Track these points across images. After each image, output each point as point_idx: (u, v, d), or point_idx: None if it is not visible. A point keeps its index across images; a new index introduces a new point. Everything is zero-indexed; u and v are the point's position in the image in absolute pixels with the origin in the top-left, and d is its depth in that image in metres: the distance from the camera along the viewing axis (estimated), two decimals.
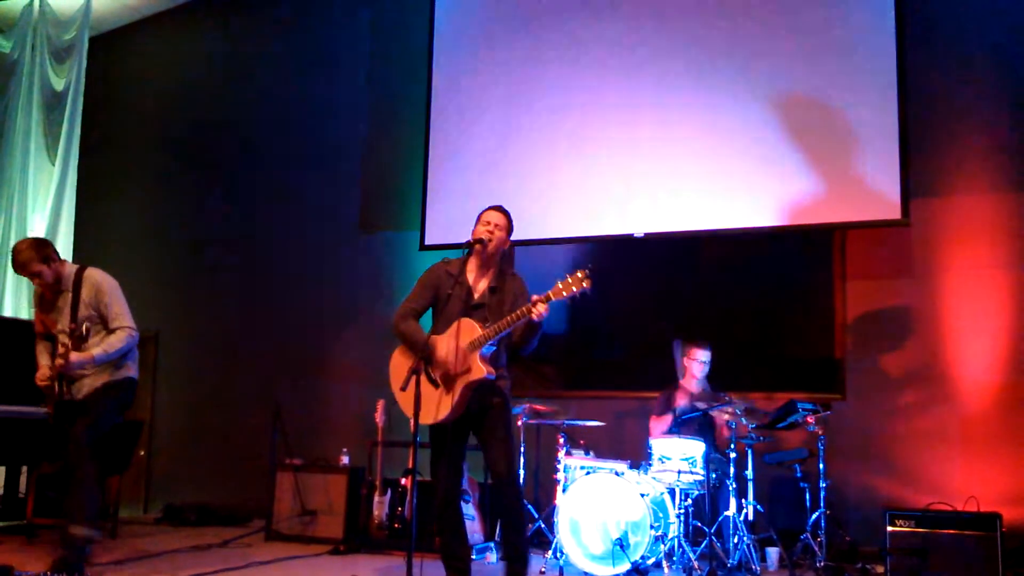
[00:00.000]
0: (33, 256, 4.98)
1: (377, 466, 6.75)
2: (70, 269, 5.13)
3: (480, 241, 4.48)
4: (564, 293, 4.18)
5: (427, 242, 7.89)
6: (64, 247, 8.99)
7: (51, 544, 6.28)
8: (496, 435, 4.44)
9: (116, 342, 5.02)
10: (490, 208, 4.62)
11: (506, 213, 4.60)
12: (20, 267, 5.01)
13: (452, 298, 4.45)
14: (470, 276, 4.55)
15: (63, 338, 4.96)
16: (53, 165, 9.12)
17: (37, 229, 8.98)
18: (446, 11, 8.18)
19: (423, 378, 4.31)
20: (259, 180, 9.18)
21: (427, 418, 4.36)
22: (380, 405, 6.77)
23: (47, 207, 9.05)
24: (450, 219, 7.77)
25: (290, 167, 9.04)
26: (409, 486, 6.47)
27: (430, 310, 4.64)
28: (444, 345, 4.38)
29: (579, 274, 4.15)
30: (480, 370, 4.28)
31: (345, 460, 7.15)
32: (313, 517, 6.91)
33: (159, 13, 9.86)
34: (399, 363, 4.56)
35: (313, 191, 8.89)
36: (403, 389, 4.26)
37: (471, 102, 7.95)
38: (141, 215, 9.66)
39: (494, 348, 4.38)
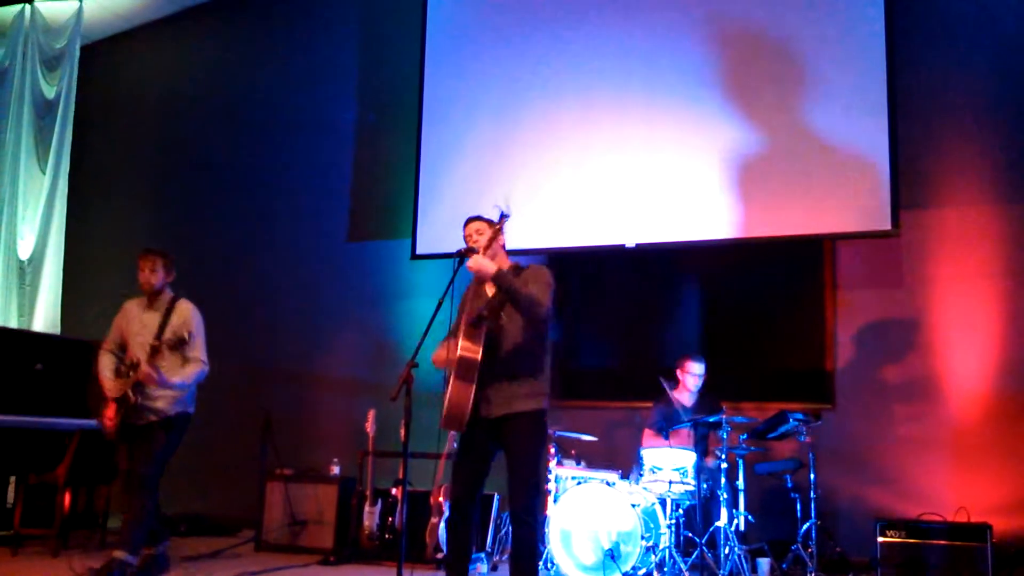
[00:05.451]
0: (161, 260, 5.55)
1: (368, 476, 6.73)
2: (168, 295, 5.53)
3: (471, 250, 4.41)
4: (486, 239, 4.23)
5: (418, 251, 7.88)
6: (55, 255, 8.96)
7: (38, 555, 6.27)
8: (515, 464, 4.19)
9: (191, 373, 5.31)
10: (467, 221, 4.57)
11: (484, 219, 4.54)
12: (148, 258, 5.53)
13: (470, 306, 4.41)
14: (486, 286, 4.47)
15: (140, 352, 5.24)
16: (44, 174, 9.09)
17: (28, 238, 8.96)
18: (437, 21, 8.19)
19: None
20: (249, 189, 9.16)
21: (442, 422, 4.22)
22: (371, 415, 6.76)
23: (37, 216, 9.02)
24: (441, 228, 7.76)
25: (280, 176, 9.02)
26: (400, 496, 6.45)
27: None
28: (455, 348, 4.25)
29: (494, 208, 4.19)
30: (454, 350, 4.13)
31: (336, 470, 7.14)
32: (303, 527, 6.89)
33: (150, 23, 9.86)
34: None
35: (303, 200, 8.87)
36: (393, 399, 4.22)
37: (462, 111, 7.95)
38: (131, 224, 9.63)
39: (480, 337, 4.17)
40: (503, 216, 4.24)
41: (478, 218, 4.57)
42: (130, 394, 5.15)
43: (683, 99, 7.15)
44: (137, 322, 5.41)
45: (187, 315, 5.42)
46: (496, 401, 4.23)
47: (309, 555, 6.62)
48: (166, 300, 5.48)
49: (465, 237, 4.52)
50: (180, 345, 5.20)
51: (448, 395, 4.13)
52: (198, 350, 5.38)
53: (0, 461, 6.77)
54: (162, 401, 5.26)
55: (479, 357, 4.12)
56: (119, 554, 5.09)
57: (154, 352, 5.16)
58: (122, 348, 5.44)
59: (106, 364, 5.40)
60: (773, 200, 6.80)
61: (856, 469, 6.61)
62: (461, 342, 4.13)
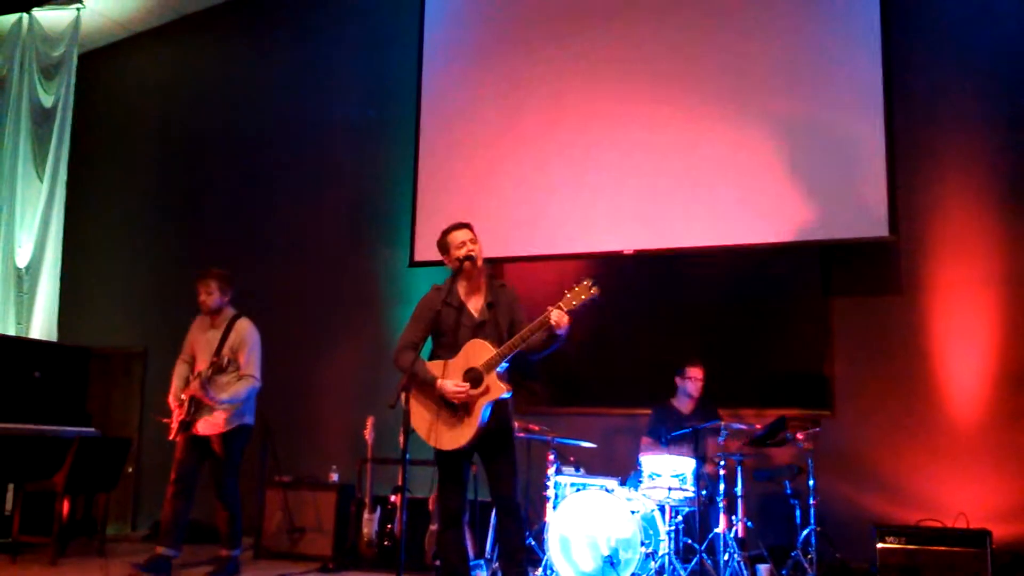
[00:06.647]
0: (218, 282, 5.89)
1: (366, 483, 6.72)
2: (229, 313, 5.94)
3: (469, 258, 4.48)
4: (574, 303, 4.19)
5: (416, 259, 7.88)
6: (52, 263, 8.95)
7: (36, 562, 6.26)
8: (505, 466, 4.45)
9: (241, 390, 5.74)
10: (454, 229, 4.61)
11: (467, 225, 4.62)
12: (204, 281, 5.88)
13: (454, 323, 4.46)
14: (464, 297, 4.54)
15: (203, 367, 5.74)
16: (41, 181, 9.08)
17: (25, 245, 8.95)
18: (435, 29, 8.20)
19: (441, 404, 4.37)
20: (247, 197, 9.16)
21: (450, 444, 4.36)
22: (369, 422, 6.76)
23: (35, 223, 9.02)
24: (439, 236, 7.74)
25: (278, 184, 9.03)
26: (399, 504, 6.45)
27: (431, 340, 4.64)
28: (456, 369, 4.37)
29: (585, 283, 4.19)
30: (500, 388, 4.28)
31: (334, 477, 7.13)
32: (302, 534, 6.88)
33: (148, 30, 9.87)
34: (415, 401, 4.46)
35: (301, 208, 8.87)
36: (391, 407, 4.31)
37: (460, 118, 7.96)
38: (129, 231, 9.63)
39: (508, 366, 4.38)
40: (594, 300, 4.24)
41: (470, 227, 4.62)
42: (186, 404, 5.73)
43: (683, 105, 7.16)
44: (203, 339, 5.90)
45: (243, 334, 5.84)
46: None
47: (308, 562, 6.61)
48: (227, 318, 5.90)
49: (458, 244, 4.54)
50: (220, 370, 5.65)
51: (476, 427, 4.31)
52: (251, 367, 5.80)
53: None
54: (221, 416, 5.72)
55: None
56: (225, 552, 5.80)
57: (212, 369, 5.66)
58: (190, 363, 5.99)
59: (178, 374, 5.97)
60: (771, 206, 6.80)
61: (855, 475, 6.61)
62: (503, 387, 4.29)
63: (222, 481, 5.79)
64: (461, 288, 4.56)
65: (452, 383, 4.32)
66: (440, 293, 4.54)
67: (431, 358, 4.51)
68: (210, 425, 5.74)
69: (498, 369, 4.30)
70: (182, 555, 5.81)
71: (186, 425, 5.73)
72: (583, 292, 4.18)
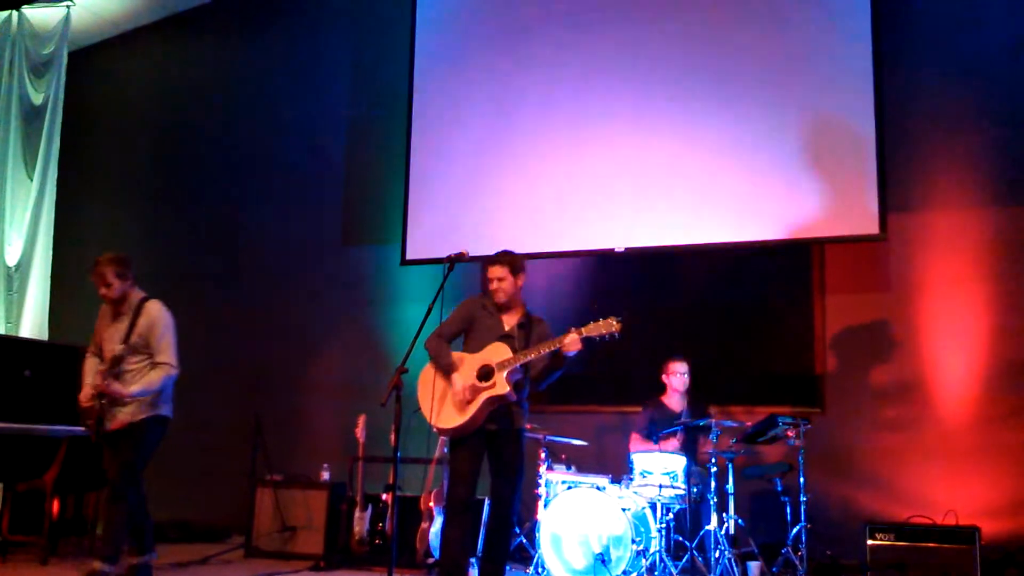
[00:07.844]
0: (111, 268, 5.15)
1: (358, 482, 6.72)
2: (136, 296, 5.25)
3: (460, 256, 4.88)
4: (594, 333, 4.52)
5: (408, 257, 7.88)
6: (42, 261, 8.92)
7: (26, 562, 6.24)
8: (508, 473, 4.80)
9: (155, 379, 5.11)
10: (489, 263, 4.97)
11: (503, 261, 4.93)
12: (98, 274, 5.16)
13: (485, 327, 4.88)
14: (502, 313, 4.93)
15: (107, 359, 5.15)
16: (31, 180, 9.05)
17: (15, 244, 8.92)
18: (428, 27, 8.20)
19: (445, 385, 4.76)
20: (239, 195, 9.14)
21: (446, 422, 4.73)
22: (361, 420, 6.75)
23: (25, 221, 8.98)
24: (431, 234, 7.76)
25: (270, 181, 9.02)
26: (390, 502, 6.45)
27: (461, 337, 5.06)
28: (474, 362, 4.76)
29: (612, 319, 4.51)
30: (504, 387, 4.62)
31: (325, 476, 7.12)
32: (293, 533, 6.87)
33: (139, 28, 9.83)
34: (426, 377, 4.88)
35: (294, 205, 8.86)
36: (383, 405, 4.43)
37: (452, 117, 7.95)
38: (119, 230, 9.59)
39: (519, 376, 4.72)
40: (613, 336, 4.59)
41: (500, 263, 4.93)
42: (96, 401, 5.08)
43: (673, 104, 7.17)
44: (110, 328, 5.26)
45: (153, 316, 5.20)
46: (498, 417, 4.74)
47: (299, 561, 6.60)
48: (133, 303, 5.23)
49: (489, 279, 4.95)
50: (117, 363, 5.08)
51: (472, 414, 4.66)
52: (165, 353, 5.16)
53: None
54: (130, 408, 5.10)
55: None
56: (95, 564, 5.03)
57: (115, 361, 5.08)
58: (101, 356, 5.32)
59: (88, 369, 5.31)
60: (761, 204, 6.82)
61: (845, 472, 6.63)
62: (507, 386, 4.62)
63: (119, 478, 5.07)
64: (498, 305, 4.94)
65: (462, 380, 4.71)
66: (484, 299, 5.02)
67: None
68: (117, 419, 5.09)
69: (512, 376, 4.64)
70: (175, 556, 5.75)
71: (101, 422, 5.08)
72: (605, 327, 4.53)
